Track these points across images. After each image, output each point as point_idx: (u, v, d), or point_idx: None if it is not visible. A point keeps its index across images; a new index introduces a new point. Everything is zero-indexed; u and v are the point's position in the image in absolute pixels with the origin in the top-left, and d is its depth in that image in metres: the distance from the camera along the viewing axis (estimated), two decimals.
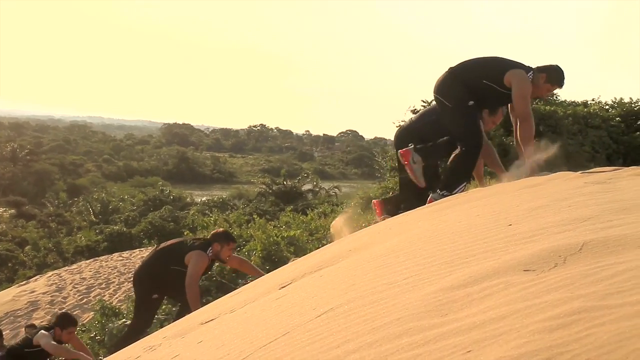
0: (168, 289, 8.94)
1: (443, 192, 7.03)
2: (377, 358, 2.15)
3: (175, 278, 8.50)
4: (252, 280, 8.08)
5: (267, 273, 8.22)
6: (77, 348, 9.83)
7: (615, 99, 18.94)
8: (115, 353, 6.49)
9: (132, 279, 10.31)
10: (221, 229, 9.31)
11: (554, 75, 7.32)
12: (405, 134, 7.96)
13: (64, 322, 9.58)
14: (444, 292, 2.57)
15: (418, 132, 7.80)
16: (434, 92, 7.24)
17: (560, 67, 7.36)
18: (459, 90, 7.08)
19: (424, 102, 22.71)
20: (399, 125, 8.59)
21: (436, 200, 6.85)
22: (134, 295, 10.30)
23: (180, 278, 8.44)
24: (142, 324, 8.87)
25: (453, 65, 7.21)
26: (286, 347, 2.73)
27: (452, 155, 7.21)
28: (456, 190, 7.02)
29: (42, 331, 9.25)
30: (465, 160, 7.12)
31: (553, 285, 2.28)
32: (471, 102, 7.04)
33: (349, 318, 2.73)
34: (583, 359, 1.67)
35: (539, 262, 2.61)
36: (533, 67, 7.21)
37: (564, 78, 7.35)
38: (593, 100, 19.78)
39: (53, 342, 9.15)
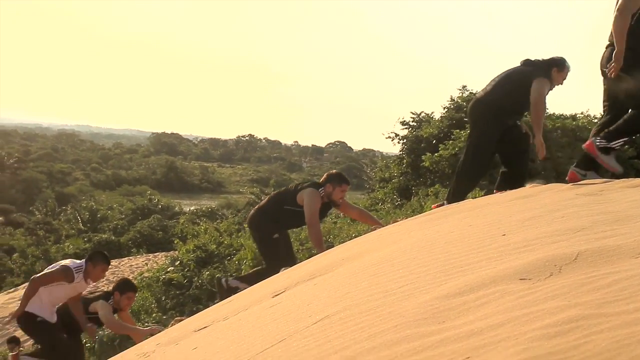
0: (284, 227, 8.95)
1: (600, 140, 6.80)
2: None
3: (289, 217, 8.59)
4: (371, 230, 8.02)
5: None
6: (126, 320, 9.61)
7: None
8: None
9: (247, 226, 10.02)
10: (334, 170, 9.12)
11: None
12: (480, 106, 7.98)
13: (124, 287, 9.37)
14: (441, 300, 2.59)
15: (496, 104, 7.85)
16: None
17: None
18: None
19: (413, 113, 22.82)
20: (473, 97, 8.51)
21: (596, 144, 6.80)
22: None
23: (293, 217, 8.56)
24: (274, 264, 8.46)
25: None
26: (283, 353, 2.74)
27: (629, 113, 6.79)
28: (614, 143, 6.77)
29: (102, 301, 9.05)
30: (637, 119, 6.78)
31: (550, 293, 2.30)
32: None
33: (346, 325, 2.74)
34: None
35: (534, 271, 2.63)
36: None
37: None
38: (582, 113, 19.85)
39: (111, 316, 8.99)
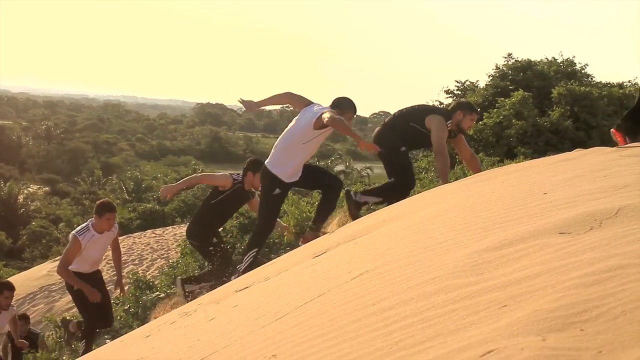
0: (408, 143, 8.34)
1: None
2: (414, 314, 2.18)
3: (413, 135, 8.16)
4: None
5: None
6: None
7: None
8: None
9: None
10: (464, 99, 8.66)
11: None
12: None
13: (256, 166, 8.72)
14: (479, 254, 2.60)
15: None
16: None
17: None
18: None
19: (457, 82, 22.69)
20: None
21: None
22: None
23: (417, 136, 8.16)
24: (405, 177, 8.20)
25: None
26: (322, 306, 2.77)
27: None
28: None
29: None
30: None
31: (589, 245, 2.30)
32: None
33: (385, 279, 2.76)
34: (619, 312, 1.69)
35: (574, 225, 2.62)
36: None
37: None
38: (629, 81, 19.65)
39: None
